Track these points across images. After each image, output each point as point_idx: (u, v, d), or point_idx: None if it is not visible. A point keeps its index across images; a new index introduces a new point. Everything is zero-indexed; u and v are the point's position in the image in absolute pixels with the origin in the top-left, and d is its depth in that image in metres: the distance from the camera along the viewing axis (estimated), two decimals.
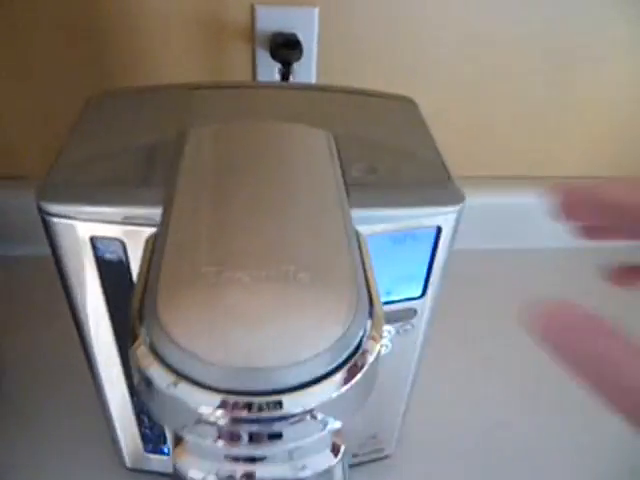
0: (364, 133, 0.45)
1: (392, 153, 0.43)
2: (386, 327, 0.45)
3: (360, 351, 0.29)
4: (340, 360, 0.28)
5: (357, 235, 0.35)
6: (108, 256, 0.38)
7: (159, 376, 0.26)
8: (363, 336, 0.29)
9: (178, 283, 0.28)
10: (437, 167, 0.42)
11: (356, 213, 0.36)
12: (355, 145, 0.43)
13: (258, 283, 0.28)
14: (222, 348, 0.25)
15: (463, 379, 0.69)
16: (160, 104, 0.47)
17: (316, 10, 0.65)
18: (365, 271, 0.32)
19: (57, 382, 0.65)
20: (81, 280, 0.40)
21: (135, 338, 0.28)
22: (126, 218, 0.36)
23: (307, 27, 0.66)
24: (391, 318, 0.44)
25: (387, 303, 0.43)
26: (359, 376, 0.28)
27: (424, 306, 0.44)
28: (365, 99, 0.51)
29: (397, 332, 0.45)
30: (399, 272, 0.42)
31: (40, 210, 0.36)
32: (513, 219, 0.85)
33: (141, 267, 0.32)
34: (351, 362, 0.28)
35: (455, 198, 0.39)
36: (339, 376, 0.27)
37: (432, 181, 0.41)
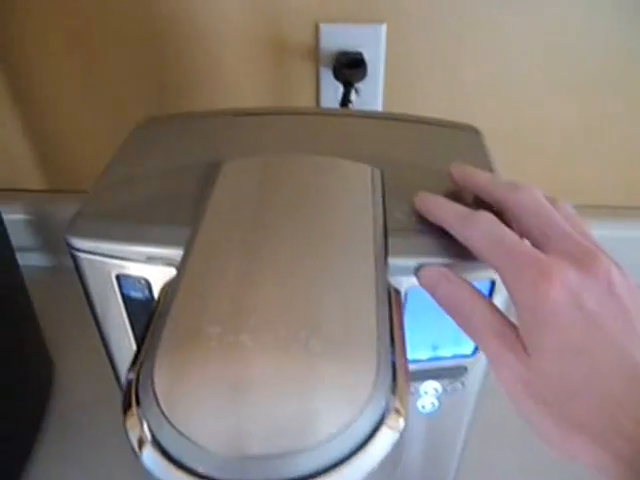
0: (416, 168, 0.40)
1: None
2: (433, 384, 0.40)
3: (380, 430, 0.25)
4: (357, 441, 0.24)
5: (389, 291, 0.31)
6: (134, 294, 0.37)
7: (150, 460, 0.23)
8: (385, 412, 0.25)
9: (178, 345, 0.26)
10: None
11: (396, 262, 0.33)
12: (406, 181, 0.39)
13: (262, 351, 0.25)
14: (214, 432, 0.23)
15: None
16: (205, 132, 0.45)
17: (384, 27, 0.62)
18: (392, 334, 0.28)
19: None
20: (108, 314, 0.38)
21: (129, 405, 0.25)
22: (150, 258, 0.34)
23: (373, 45, 0.63)
24: (438, 375, 0.40)
25: (434, 359, 0.39)
26: (378, 458, 0.24)
27: (476, 364, 0.39)
28: (427, 128, 0.47)
29: (445, 390, 0.41)
30: (447, 327, 0.37)
31: (67, 244, 0.35)
32: None
33: (149, 318, 0.30)
34: (369, 444, 0.24)
35: None
36: (356, 462, 0.24)
37: None
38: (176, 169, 0.41)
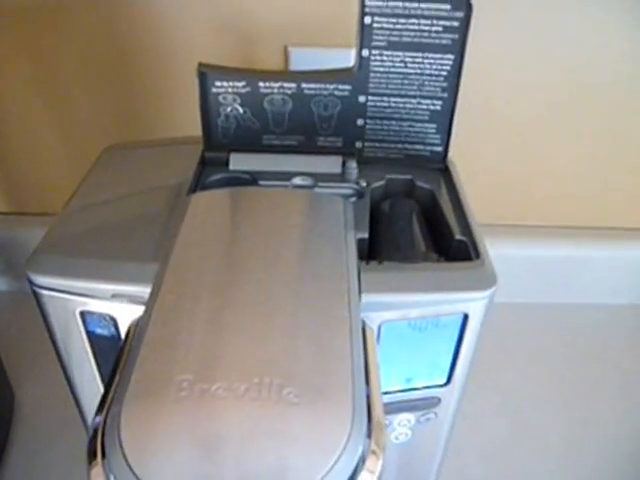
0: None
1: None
2: (406, 416, 0.40)
3: (359, 475, 0.24)
4: None
5: (364, 329, 0.31)
6: (99, 331, 0.35)
7: None
8: (361, 458, 0.25)
9: (147, 394, 0.25)
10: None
11: (368, 298, 0.32)
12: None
13: (235, 401, 0.24)
14: None
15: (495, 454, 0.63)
16: (173, 161, 0.44)
17: (353, 52, 0.62)
18: (367, 373, 0.28)
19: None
20: (72, 350, 0.37)
21: (94, 455, 0.24)
22: (115, 295, 0.33)
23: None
24: (412, 407, 0.39)
25: (407, 390, 0.38)
26: None
27: (449, 394, 0.39)
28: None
29: (418, 421, 0.40)
30: (420, 359, 0.37)
31: (28, 280, 0.34)
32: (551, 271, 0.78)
33: (117, 359, 0.29)
34: None
35: (485, 281, 0.34)
36: None
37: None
38: (142, 199, 0.40)
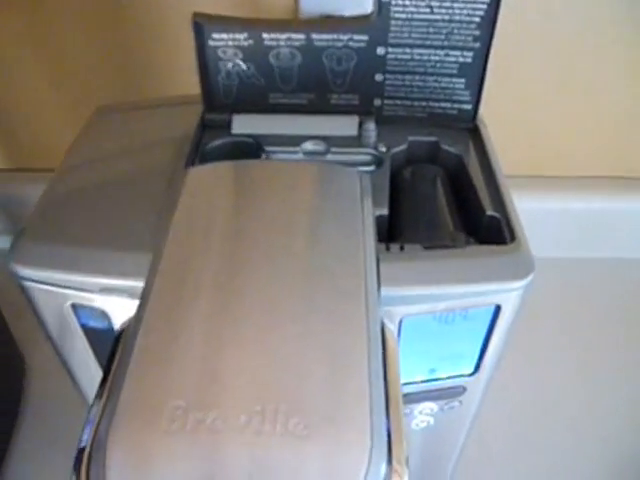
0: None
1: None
2: (429, 404, 0.37)
3: None
4: None
5: (383, 331, 0.27)
6: (93, 324, 0.32)
7: None
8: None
9: (136, 419, 0.22)
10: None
11: (389, 292, 0.29)
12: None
13: (233, 435, 0.21)
14: None
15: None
16: (170, 124, 0.40)
17: None
18: (387, 392, 0.24)
19: None
20: (67, 342, 0.34)
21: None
22: (105, 289, 0.30)
23: (360, 9, 0.56)
24: (435, 396, 0.36)
25: (430, 381, 0.35)
26: None
27: (476, 384, 0.36)
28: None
29: (441, 409, 0.37)
30: (445, 351, 0.34)
31: (12, 273, 0.31)
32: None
33: (106, 367, 0.26)
34: None
35: (521, 268, 0.30)
36: None
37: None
38: (135, 170, 0.36)
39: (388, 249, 0.31)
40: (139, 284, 0.28)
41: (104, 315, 0.31)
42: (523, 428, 0.60)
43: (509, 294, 0.30)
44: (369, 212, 0.31)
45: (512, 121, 0.65)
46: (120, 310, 0.30)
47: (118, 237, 0.31)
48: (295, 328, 0.24)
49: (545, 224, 0.72)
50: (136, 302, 0.28)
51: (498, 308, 0.31)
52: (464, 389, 0.36)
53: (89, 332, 0.33)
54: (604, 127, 0.67)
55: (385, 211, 0.34)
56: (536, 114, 0.66)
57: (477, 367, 0.35)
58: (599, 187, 0.72)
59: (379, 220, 0.33)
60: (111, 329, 0.32)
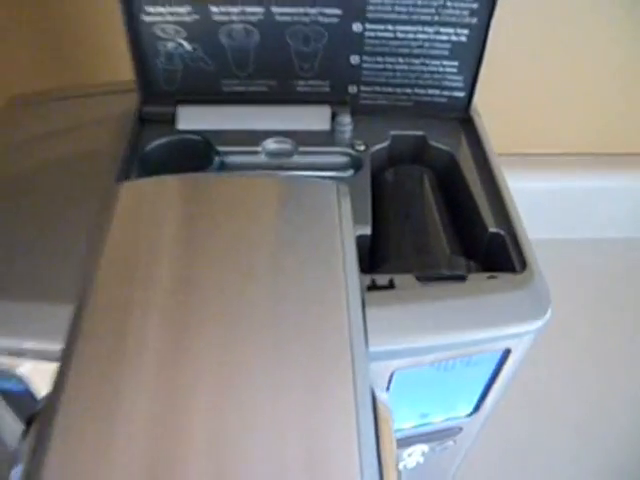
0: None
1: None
2: (419, 447, 0.32)
3: None
4: None
5: (374, 403, 0.21)
6: (9, 386, 0.26)
7: None
8: None
9: None
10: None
11: (377, 347, 0.23)
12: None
13: None
14: None
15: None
16: (99, 118, 0.32)
17: None
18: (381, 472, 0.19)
19: None
20: None
21: None
22: (14, 351, 0.23)
23: None
24: (427, 439, 0.31)
25: (422, 425, 0.30)
26: None
27: (474, 423, 0.31)
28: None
29: (433, 450, 0.33)
30: (442, 396, 0.28)
31: None
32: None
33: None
34: None
35: (536, 305, 0.25)
36: None
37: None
38: (52, 185, 0.28)
39: (374, 285, 0.25)
40: (56, 347, 0.22)
41: (20, 379, 0.25)
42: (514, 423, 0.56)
43: (522, 337, 0.25)
44: (350, 240, 0.25)
45: (495, 99, 0.59)
46: (38, 375, 0.24)
47: (32, 280, 0.24)
48: (262, 410, 0.18)
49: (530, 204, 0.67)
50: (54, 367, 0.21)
51: (507, 352, 0.26)
52: (460, 429, 0.31)
53: (6, 395, 0.26)
54: (589, 103, 0.62)
55: (368, 230, 0.28)
56: (519, 91, 0.60)
57: (477, 408, 0.30)
58: (582, 164, 0.67)
59: (360, 240, 0.27)
60: (30, 392, 0.25)
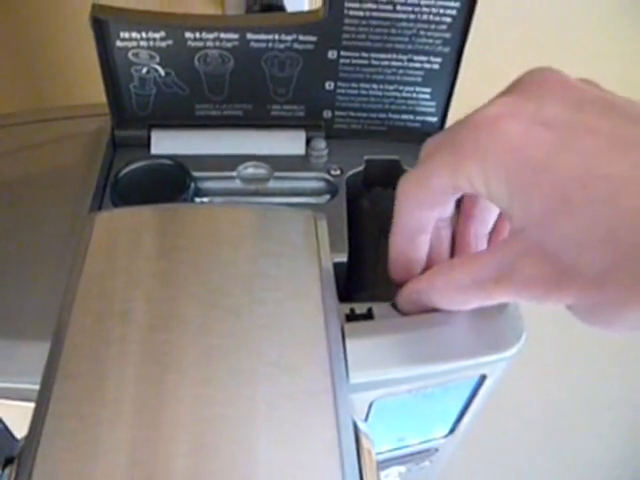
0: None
1: None
2: (396, 468, 0.32)
3: None
4: None
5: (356, 435, 0.22)
6: None
7: None
8: None
9: None
10: None
11: (358, 379, 0.23)
12: None
13: None
14: None
15: None
16: (69, 143, 0.32)
17: None
18: None
19: None
20: None
21: None
22: None
23: None
24: (403, 461, 0.32)
25: (399, 448, 0.30)
26: None
27: (450, 442, 0.32)
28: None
29: (409, 470, 0.33)
30: (419, 421, 0.29)
31: None
32: None
33: None
34: None
35: (511, 333, 0.25)
36: None
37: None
38: (21, 214, 0.28)
39: (353, 314, 0.25)
40: (31, 387, 0.21)
41: None
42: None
43: (495, 365, 0.25)
44: (328, 269, 0.25)
45: None
46: (13, 415, 0.23)
47: (3, 322, 0.23)
48: (251, 447, 0.18)
49: None
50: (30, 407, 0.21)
51: (483, 377, 0.26)
52: (436, 450, 0.32)
53: None
54: None
55: (344, 257, 0.28)
56: None
57: (453, 429, 0.30)
58: None
59: (337, 267, 0.27)
60: (4, 429, 0.25)
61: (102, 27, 0.28)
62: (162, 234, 0.25)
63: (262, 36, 0.29)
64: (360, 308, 0.26)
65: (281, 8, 0.48)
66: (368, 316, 0.25)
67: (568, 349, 0.63)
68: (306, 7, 0.49)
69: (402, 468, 0.32)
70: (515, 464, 0.55)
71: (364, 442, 0.21)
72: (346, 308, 0.25)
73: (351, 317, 0.25)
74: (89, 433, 0.19)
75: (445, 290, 0.23)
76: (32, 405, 0.22)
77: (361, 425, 0.22)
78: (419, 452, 0.31)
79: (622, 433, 0.60)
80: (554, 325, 0.67)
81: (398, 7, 0.29)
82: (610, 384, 0.62)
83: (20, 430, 0.25)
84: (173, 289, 0.23)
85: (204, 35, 0.29)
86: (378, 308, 0.25)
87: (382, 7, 0.29)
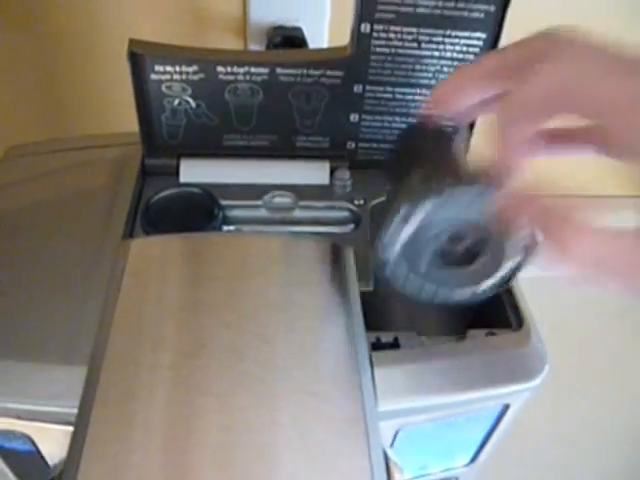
0: None
1: None
2: None
3: None
4: None
5: (386, 462, 0.22)
6: (11, 446, 0.25)
7: None
8: None
9: None
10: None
11: (386, 406, 0.23)
12: None
13: None
14: None
15: None
16: (101, 170, 0.33)
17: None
18: None
19: None
20: None
21: None
22: (24, 415, 0.23)
23: (315, 18, 0.50)
24: None
25: (420, 477, 0.31)
26: None
27: (471, 471, 0.32)
28: None
29: None
30: (442, 449, 0.29)
31: None
32: None
33: None
34: None
35: (534, 364, 0.26)
36: None
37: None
38: (56, 239, 0.29)
39: (379, 342, 0.26)
40: (70, 410, 0.22)
41: (25, 438, 0.24)
42: None
43: (519, 395, 0.26)
44: (356, 299, 0.26)
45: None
46: (46, 435, 0.24)
47: (38, 346, 0.24)
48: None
49: None
50: (68, 430, 0.21)
51: (506, 407, 0.26)
52: (457, 479, 0.32)
53: (7, 454, 0.26)
54: None
55: (370, 287, 0.29)
56: None
57: (474, 458, 0.31)
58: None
59: (363, 297, 0.28)
60: (34, 452, 0.25)
61: (138, 60, 0.29)
62: (194, 262, 0.26)
63: (291, 70, 0.31)
64: (386, 337, 0.26)
65: (302, 39, 0.50)
66: (394, 345, 0.26)
67: (584, 380, 0.63)
68: (326, 37, 0.51)
69: None
70: None
71: (393, 470, 0.22)
72: (372, 336, 0.26)
73: (377, 345, 0.26)
74: (127, 457, 0.20)
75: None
76: (55, 427, 0.22)
77: (390, 453, 0.22)
78: None
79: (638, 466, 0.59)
80: (574, 357, 0.67)
81: (423, 45, 0.30)
82: (626, 416, 0.62)
83: (49, 452, 0.25)
84: (206, 316, 0.24)
85: (235, 69, 0.30)
86: (403, 337, 0.26)
87: (407, 44, 0.30)
